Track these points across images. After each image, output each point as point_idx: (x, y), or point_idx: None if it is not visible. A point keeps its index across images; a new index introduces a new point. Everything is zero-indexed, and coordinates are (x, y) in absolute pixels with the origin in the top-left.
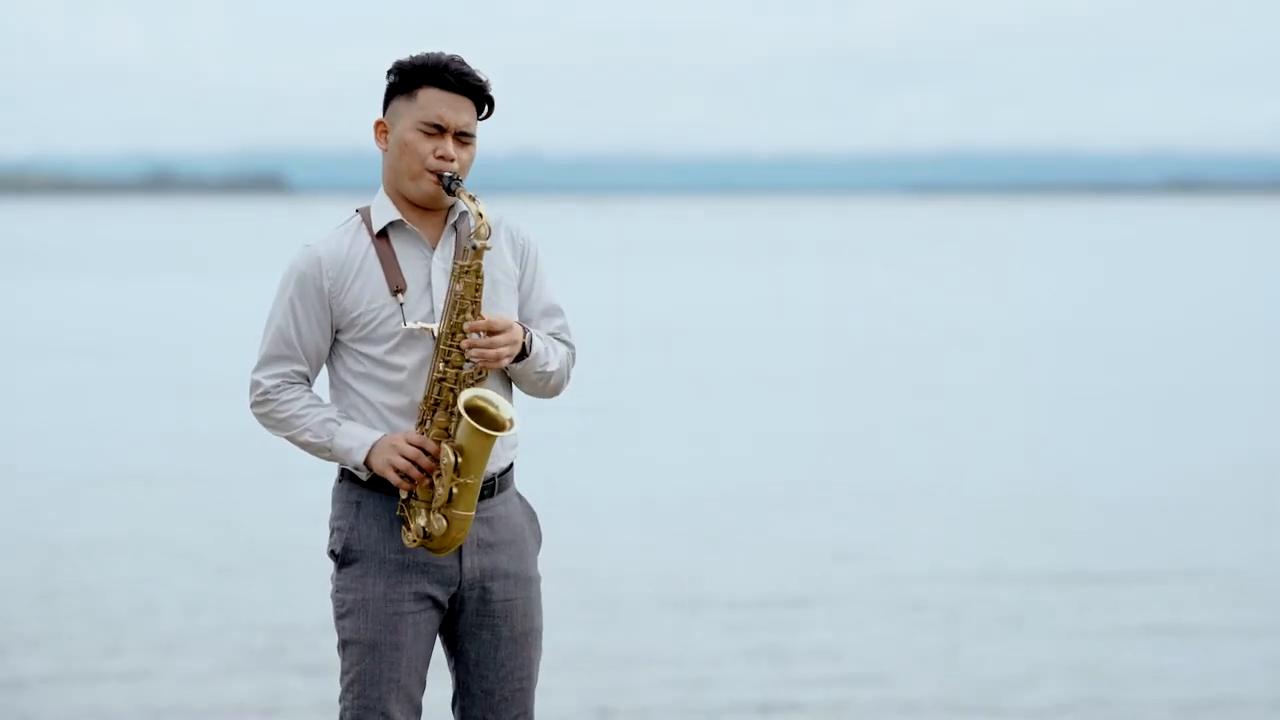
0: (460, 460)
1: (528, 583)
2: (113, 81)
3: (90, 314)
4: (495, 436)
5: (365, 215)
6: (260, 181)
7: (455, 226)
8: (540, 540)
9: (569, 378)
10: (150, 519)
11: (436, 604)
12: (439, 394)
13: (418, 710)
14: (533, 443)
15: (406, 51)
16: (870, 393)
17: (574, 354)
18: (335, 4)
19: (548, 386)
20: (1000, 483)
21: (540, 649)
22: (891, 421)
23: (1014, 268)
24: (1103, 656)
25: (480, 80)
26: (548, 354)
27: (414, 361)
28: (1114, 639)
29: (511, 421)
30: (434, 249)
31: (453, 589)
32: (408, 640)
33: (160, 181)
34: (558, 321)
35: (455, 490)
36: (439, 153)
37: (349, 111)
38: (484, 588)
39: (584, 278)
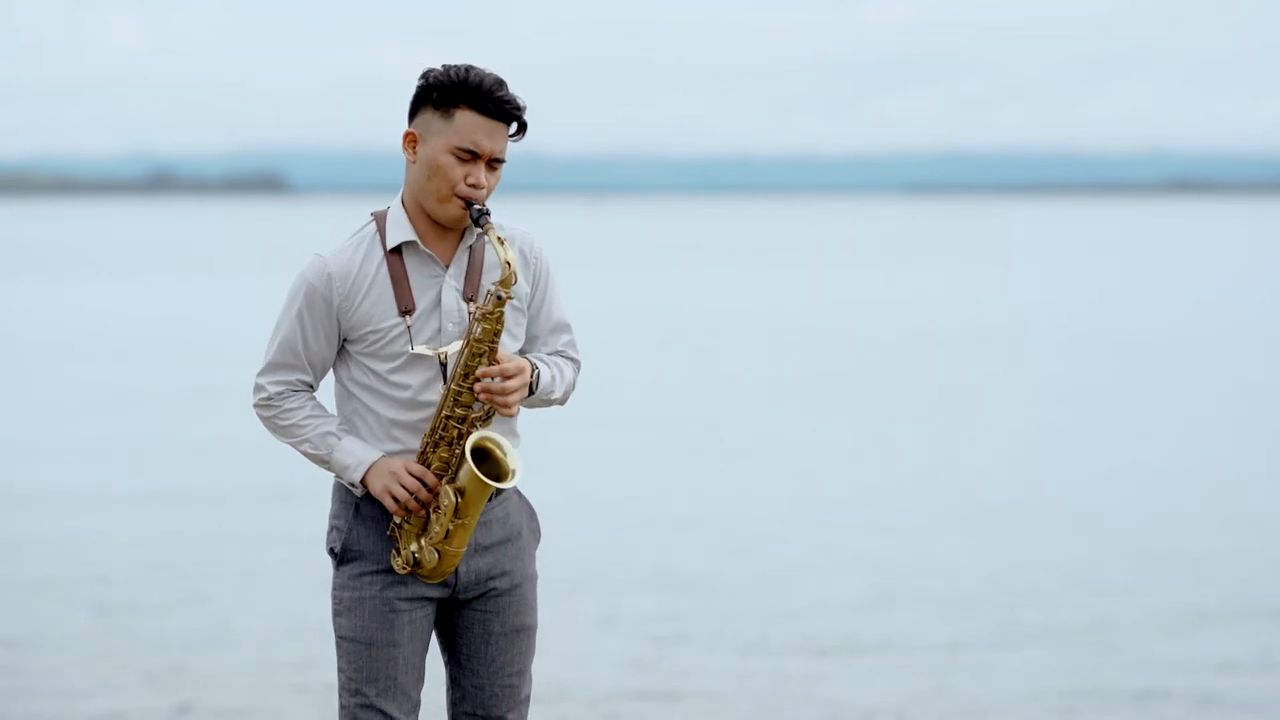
0: (460, 502)
1: (524, 580)
2: (113, 81)
3: (91, 315)
4: (495, 488)
5: (380, 224)
6: (260, 181)
7: (470, 247)
8: (539, 537)
9: (574, 388)
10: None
11: (432, 601)
12: (444, 430)
13: (415, 706)
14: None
15: (407, 53)
16: (894, 397)
17: (579, 368)
18: (335, 4)
19: (549, 407)
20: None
21: (534, 645)
22: (919, 427)
23: (1017, 268)
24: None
25: (520, 107)
26: (553, 383)
27: (419, 381)
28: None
29: (513, 473)
30: (447, 268)
31: (449, 591)
32: (403, 638)
33: (160, 181)
34: (565, 338)
35: (451, 529)
36: (471, 180)
37: (349, 111)
38: (480, 588)
39: (588, 278)
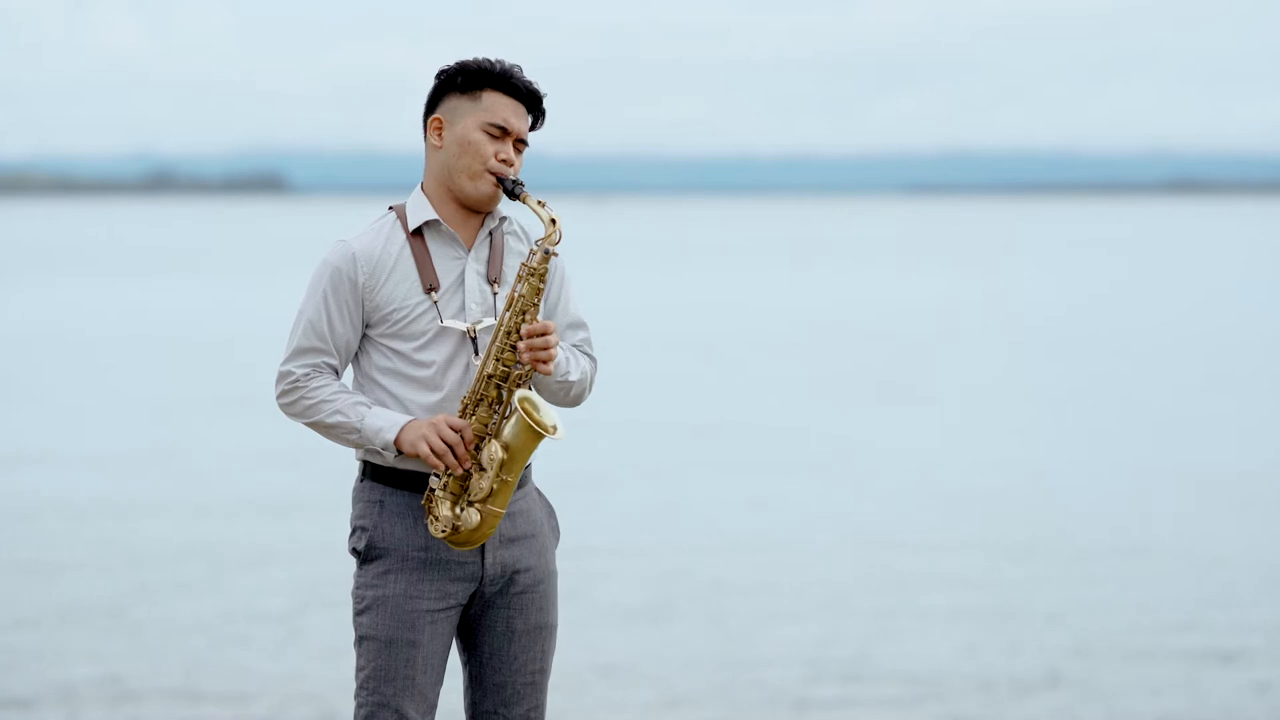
0: (505, 457)
1: (546, 577)
2: (113, 81)
3: (91, 315)
4: (544, 436)
5: (400, 213)
6: (260, 181)
7: (490, 233)
8: (558, 535)
9: (591, 388)
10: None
11: (458, 602)
12: (485, 389)
13: (432, 708)
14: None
15: (408, 53)
16: (902, 398)
17: (596, 366)
18: (335, 4)
19: (568, 396)
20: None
21: (554, 643)
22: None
23: (1018, 268)
24: None
25: (542, 93)
26: (568, 364)
27: (443, 356)
28: None
29: (555, 427)
30: (469, 251)
31: (474, 585)
32: (425, 639)
33: (160, 181)
34: (581, 335)
35: (496, 487)
36: (501, 155)
37: (349, 112)
38: (504, 580)
39: (589, 278)
